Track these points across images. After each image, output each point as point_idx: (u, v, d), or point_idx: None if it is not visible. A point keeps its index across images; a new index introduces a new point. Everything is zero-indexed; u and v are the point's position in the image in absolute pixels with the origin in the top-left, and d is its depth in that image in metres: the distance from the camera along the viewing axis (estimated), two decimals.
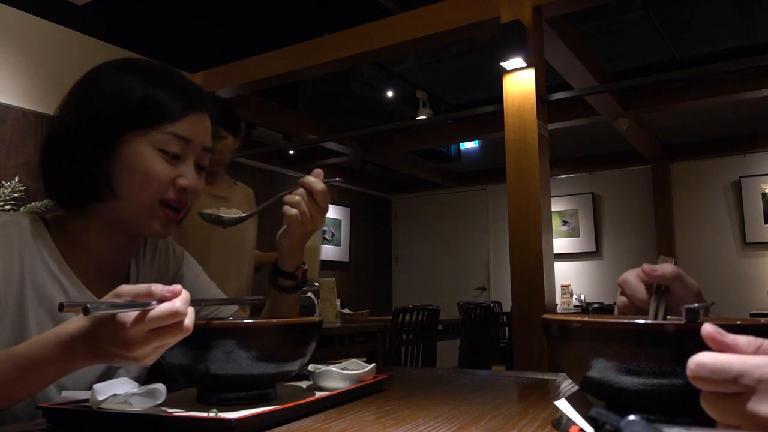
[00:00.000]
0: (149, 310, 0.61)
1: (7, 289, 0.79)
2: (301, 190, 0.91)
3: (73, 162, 0.83)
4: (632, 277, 0.69)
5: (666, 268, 0.67)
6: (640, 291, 0.68)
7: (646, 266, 0.67)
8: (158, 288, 0.62)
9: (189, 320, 0.63)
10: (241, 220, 0.92)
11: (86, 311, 0.57)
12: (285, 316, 1.01)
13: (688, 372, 0.39)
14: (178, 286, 0.64)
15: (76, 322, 0.64)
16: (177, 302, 0.62)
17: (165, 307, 0.61)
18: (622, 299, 0.71)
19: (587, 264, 6.41)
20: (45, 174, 0.86)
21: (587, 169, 6.44)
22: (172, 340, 0.63)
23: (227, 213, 0.91)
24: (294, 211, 0.91)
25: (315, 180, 0.91)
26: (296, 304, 1.05)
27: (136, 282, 0.94)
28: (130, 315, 0.60)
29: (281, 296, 1.01)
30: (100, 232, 0.87)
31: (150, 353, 0.63)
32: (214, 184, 2.23)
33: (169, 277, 1.01)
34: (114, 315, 0.61)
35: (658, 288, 0.66)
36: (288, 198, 0.92)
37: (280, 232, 0.96)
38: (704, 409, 0.40)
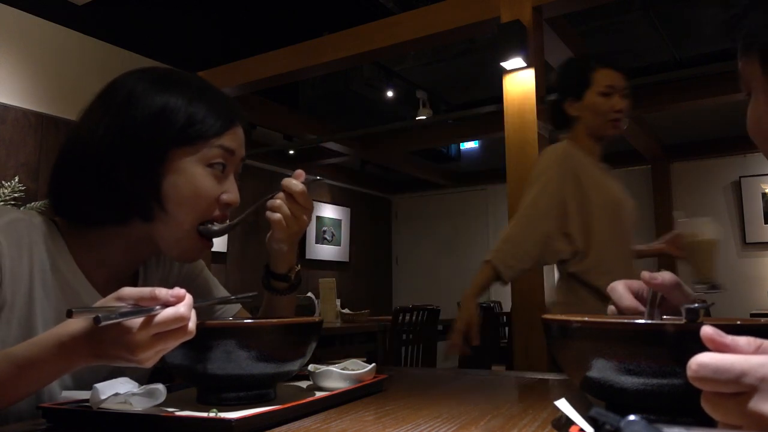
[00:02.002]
0: (154, 316, 0.61)
1: (15, 288, 0.78)
2: (281, 194, 0.91)
3: (112, 181, 0.80)
4: (619, 285, 0.70)
5: (666, 276, 0.68)
6: (627, 299, 0.69)
7: (646, 274, 0.68)
8: (162, 292, 0.63)
9: (192, 324, 0.63)
10: (229, 228, 0.91)
11: (97, 321, 0.58)
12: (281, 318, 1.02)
13: (690, 373, 0.39)
14: (182, 291, 0.64)
15: (77, 324, 0.64)
16: (181, 307, 0.62)
17: (170, 312, 0.61)
18: (611, 307, 0.72)
19: None
20: (63, 190, 0.83)
21: None
22: (176, 343, 0.63)
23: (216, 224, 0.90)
24: (277, 215, 0.90)
25: (294, 182, 0.91)
26: (292, 305, 1.05)
27: (144, 284, 0.93)
28: (135, 320, 0.61)
29: (276, 298, 1.01)
30: (120, 247, 0.86)
31: (153, 356, 0.63)
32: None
33: (174, 276, 1.01)
34: (121, 322, 0.61)
35: (654, 296, 0.67)
36: (270, 203, 0.92)
37: (268, 235, 0.96)
38: (705, 409, 0.40)
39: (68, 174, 0.82)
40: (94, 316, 0.58)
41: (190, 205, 0.83)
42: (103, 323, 0.58)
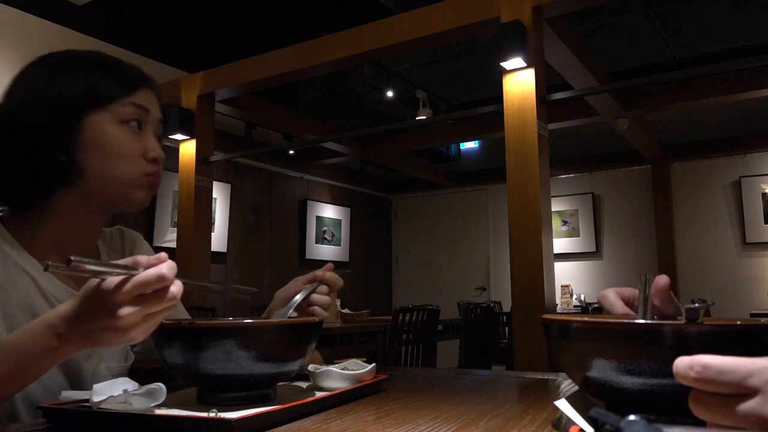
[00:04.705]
0: (134, 275, 0.61)
1: None
2: (325, 288, 0.95)
3: (33, 153, 0.82)
4: (610, 293, 0.71)
5: (661, 279, 0.68)
6: (618, 306, 0.69)
7: (663, 277, 0.68)
8: (143, 258, 0.63)
9: (176, 288, 0.63)
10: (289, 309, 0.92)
11: (69, 262, 0.57)
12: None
13: (693, 374, 0.39)
14: (163, 254, 0.64)
15: (65, 305, 0.65)
16: (163, 267, 0.62)
17: (151, 271, 0.61)
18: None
19: (587, 264, 6.41)
20: None
21: (587, 169, 6.44)
22: (159, 307, 0.63)
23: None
24: (326, 313, 0.95)
25: (338, 277, 0.97)
26: None
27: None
28: (115, 280, 0.61)
29: None
30: (67, 213, 0.86)
31: (138, 324, 0.62)
32: None
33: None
34: (100, 283, 0.61)
35: (646, 298, 0.67)
36: (319, 300, 0.95)
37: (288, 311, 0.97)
38: (693, 409, 0.40)
39: None
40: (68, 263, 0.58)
41: (115, 160, 0.85)
42: (75, 264, 0.57)
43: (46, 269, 0.57)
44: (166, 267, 0.62)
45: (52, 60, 0.87)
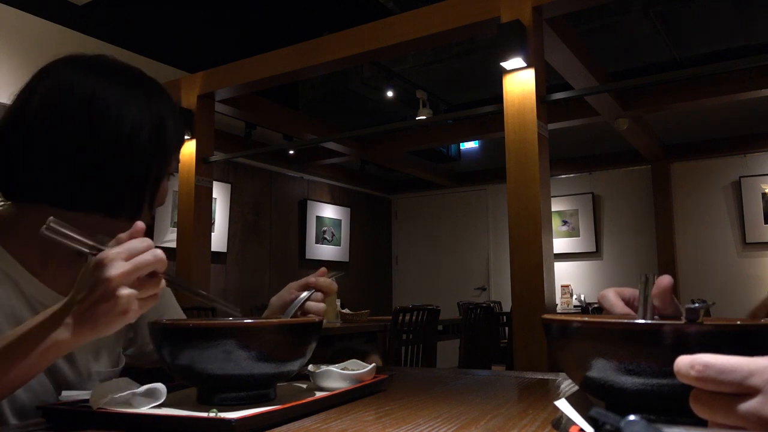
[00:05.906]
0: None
1: None
2: (320, 295, 0.95)
3: (111, 172, 0.82)
4: (610, 293, 0.70)
5: (665, 279, 0.68)
6: (618, 306, 0.69)
7: (665, 277, 0.68)
8: (124, 234, 0.68)
9: (160, 252, 0.67)
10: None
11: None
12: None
13: (694, 373, 0.39)
14: (140, 223, 0.69)
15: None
16: (146, 239, 0.68)
17: (138, 239, 0.67)
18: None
19: (587, 264, 6.41)
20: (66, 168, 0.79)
21: (587, 169, 6.45)
22: (148, 267, 0.66)
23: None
24: (322, 318, 0.95)
25: (331, 282, 0.96)
26: None
27: None
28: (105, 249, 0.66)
29: None
30: (66, 221, 0.85)
31: (131, 292, 0.64)
32: None
33: None
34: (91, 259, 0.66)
35: (646, 297, 0.67)
36: (315, 308, 0.94)
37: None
38: (694, 408, 0.40)
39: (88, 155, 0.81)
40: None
41: (159, 202, 0.90)
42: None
43: (46, 228, 0.62)
44: (148, 240, 0.68)
45: (164, 95, 0.88)
